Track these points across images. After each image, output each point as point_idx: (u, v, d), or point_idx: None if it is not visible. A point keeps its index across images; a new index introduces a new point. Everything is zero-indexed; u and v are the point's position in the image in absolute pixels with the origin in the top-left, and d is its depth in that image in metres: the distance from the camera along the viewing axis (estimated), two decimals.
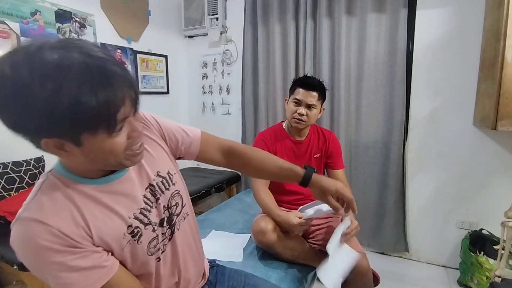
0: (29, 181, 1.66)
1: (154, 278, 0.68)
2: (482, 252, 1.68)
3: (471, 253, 1.72)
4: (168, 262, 0.71)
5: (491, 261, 1.62)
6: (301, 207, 1.19)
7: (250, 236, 1.45)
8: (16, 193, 1.60)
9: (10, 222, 1.37)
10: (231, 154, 0.86)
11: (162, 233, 0.69)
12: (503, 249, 1.40)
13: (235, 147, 0.86)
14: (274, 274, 1.19)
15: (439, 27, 1.89)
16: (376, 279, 1.31)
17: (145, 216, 0.64)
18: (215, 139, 0.87)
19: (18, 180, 1.62)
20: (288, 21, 2.26)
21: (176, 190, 0.74)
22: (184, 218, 0.76)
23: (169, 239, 0.71)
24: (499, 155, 1.81)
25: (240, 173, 2.68)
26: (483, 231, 1.82)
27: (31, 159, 1.71)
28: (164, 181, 0.71)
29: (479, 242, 1.75)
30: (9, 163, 1.61)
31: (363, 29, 2.04)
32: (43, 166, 1.77)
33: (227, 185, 2.53)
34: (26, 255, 0.52)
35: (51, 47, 0.45)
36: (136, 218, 0.63)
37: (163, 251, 0.69)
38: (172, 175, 0.73)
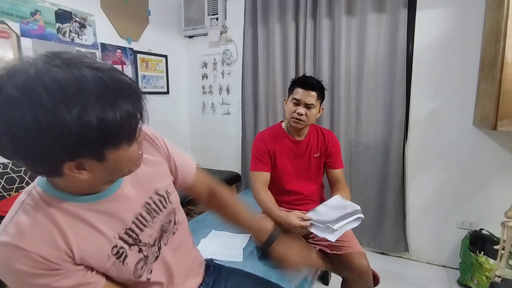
0: (29, 181, 1.66)
1: None
2: (482, 252, 1.68)
3: (471, 253, 1.72)
4: (159, 277, 0.70)
5: (491, 261, 1.62)
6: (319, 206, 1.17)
7: (250, 236, 1.45)
8: (16, 193, 1.60)
9: None
10: (213, 196, 0.89)
11: (152, 253, 0.67)
12: (503, 249, 1.40)
13: (218, 192, 0.89)
14: (274, 274, 1.19)
15: (439, 27, 1.89)
16: (376, 279, 1.31)
17: (130, 236, 0.62)
18: (205, 177, 0.89)
19: (18, 180, 1.62)
20: (288, 21, 2.26)
21: (173, 208, 0.74)
22: (174, 233, 0.75)
23: (156, 257, 0.69)
24: (499, 155, 1.81)
25: (240, 173, 2.69)
26: (483, 231, 1.82)
27: None
28: (162, 199, 0.70)
29: (479, 242, 1.75)
30: (9, 163, 1.61)
31: (363, 29, 2.03)
32: None
33: (227, 185, 2.52)
34: (7, 277, 0.51)
35: (55, 65, 0.43)
36: (120, 238, 0.60)
37: (151, 271, 0.68)
38: (169, 193, 0.73)
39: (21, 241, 0.49)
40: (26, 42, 1.72)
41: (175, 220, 0.75)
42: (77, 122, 0.41)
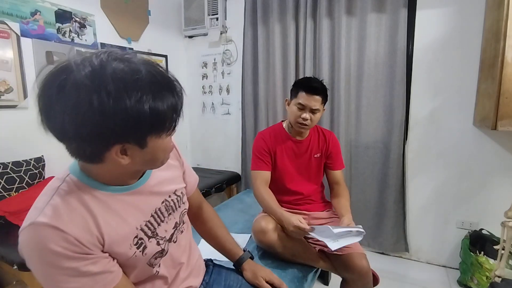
0: (29, 181, 1.66)
1: (149, 286, 0.70)
2: (482, 252, 1.68)
3: (471, 253, 1.72)
4: (166, 272, 0.73)
5: (491, 261, 1.62)
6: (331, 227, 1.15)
7: (250, 236, 1.46)
8: (16, 193, 1.60)
9: (10, 222, 1.37)
10: (200, 210, 0.95)
11: (167, 247, 0.72)
12: (503, 249, 1.39)
13: (205, 208, 0.96)
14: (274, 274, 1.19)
15: (439, 27, 1.89)
16: (375, 279, 1.30)
17: (149, 228, 0.66)
18: (199, 193, 0.95)
19: (18, 180, 1.62)
20: (288, 21, 2.26)
21: (185, 209, 0.80)
22: (182, 232, 0.79)
23: (166, 252, 0.73)
24: (499, 155, 1.81)
25: (240, 173, 2.69)
26: (483, 231, 1.82)
27: (31, 159, 1.71)
28: (178, 199, 0.76)
29: (479, 242, 1.75)
30: (9, 163, 1.61)
31: (363, 29, 2.04)
32: (43, 166, 1.77)
33: (227, 185, 2.53)
34: (37, 260, 0.52)
35: (115, 59, 0.49)
36: (141, 229, 0.64)
37: (159, 264, 0.71)
38: (183, 195, 0.79)
39: (60, 223, 0.51)
40: (26, 42, 1.72)
41: (183, 220, 0.80)
42: (134, 108, 0.47)
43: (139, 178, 0.65)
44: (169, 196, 0.73)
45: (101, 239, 0.56)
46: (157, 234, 0.68)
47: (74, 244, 0.52)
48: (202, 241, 0.97)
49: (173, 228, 0.73)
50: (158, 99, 0.49)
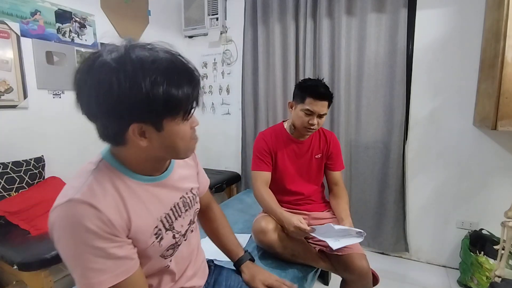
0: (29, 181, 1.66)
1: (156, 280, 0.72)
2: (482, 252, 1.68)
3: (471, 253, 1.72)
4: (175, 268, 0.74)
5: (491, 261, 1.62)
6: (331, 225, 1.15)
7: (250, 236, 1.46)
8: (16, 193, 1.60)
9: (10, 222, 1.37)
10: (208, 208, 0.99)
11: (181, 242, 0.74)
12: (503, 249, 1.39)
13: (213, 207, 1.00)
14: (274, 274, 1.19)
15: (439, 27, 1.89)
16: (375, 279, 1.30)
17: (167, 221, 0.69)
18: (209, 194, 0.99)
19: (18, 180, 1.62)
20: (288, 21, 2.26)
21: (197, 209, 0.83)
22: (192, 231, 0.82)
23: (178, 246, 0.75)
24: (499, 155, 1.81)
25: (240, 173, 2.69)
26: (483, 231, 1.82)
27: (31, 159, 1.71)
28: (194, 197, 0.80)
29: (479, 242, 1.75)
30: (9, 163, 1.61)
31: (363, 29, 2.04)
32: (43, 166, 1.77)
33: (227, 185, 2.52)
34: (69, 236, 0.53)
35: (140, 47, 0.54)
36: (161, 221, 0.67)
37: (171, 259, 0.73)
38: (197, 195, 0.83)
39: (96, 202, 0.54)
40: (26, 42, 1.72)
41: (195, 220, 0.83)
42: (148, 89, 0.51)
43: (163, 172, 0.69)
44: (186, 193, 0.76)
45: (129, 224, 0.59)
46: (173, 228, 0.70)
47: (106, 224, 0.54)
48: (202, 241, 0.97)
49: (187, 225, 0.76)
50: (173, 85, 0.53)
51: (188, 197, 0.77)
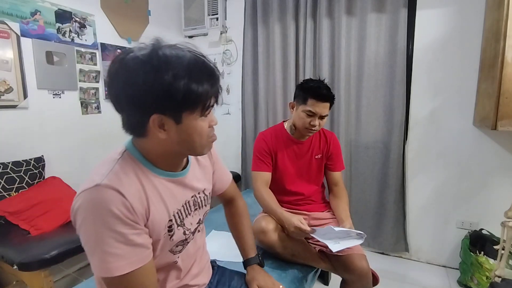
0: (29, 181, 1.66)
1: (163, 275, 0.74)
2: (482, 252, 1.68)
3: (471, 253, 1.72)
4: (182, 264, 0.76)
5: (491, 261, 1.62)
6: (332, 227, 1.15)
7: None
8: (16, 193, 1.60)
9: (10, 222, 1.37)
10: (232, 202, 1.02)
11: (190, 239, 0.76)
12: (503, 249, 1.39)
13: (236, 201, 1.02)
14: (274, 274, 1.19)
15: (439, 27, 1.89)
16: (375, 279, 1.30)
17: (179, 217, 0.71)
18: (234, 188, 1.02)
19: (18, 180, 1.62)
20: (288, 21, 2.26)
21: (207, 210, 0.84)
22: (199, 231, 0.84)
23: (187, 243, 0.77)
24: (499, 155, 1.81)
25: (240, 173, 2.69)
26: (483, 231, 1.82)
27: (31, 159, 1.71)
28: (205, 198, 0.81)
29: (479, 242, 1.75)
30: (9, 163, 1.61)
31: (363, 29, 2.04)
32: (43, 166, 1.77)
33: None
34: (93, 219, 0.55)
35: (167, 46, 0.60)
36: (174, 216, 0.69)
37: (179, 254, 0.75)
38: (209, 197, 0.84)
39: (122, 189, 0.57)
40: (26, 42, 1.72)
41: (203, 220, 0.85)
42: (171, 82, 0.55)
43: (181, 170, 0.72)
44: (198, 193, 0.78)
45: (148, 213, 0.61)
46: (184, 224, 0.72)
47: (129, 210, 0.57)
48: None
49: (196, 223, 0.78)
50: (194, 80, 0.57)
51: (200, 197, 0.78)
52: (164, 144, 0.62)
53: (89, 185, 0.56)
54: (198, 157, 0.80)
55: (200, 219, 0.80)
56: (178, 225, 0.70)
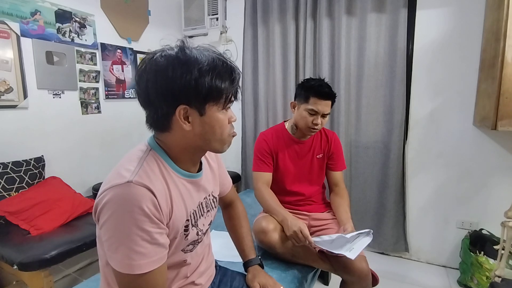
0: (29, 181, 1.66)
1: (174, 273, 0.74)
2: (482, 252, 1.68)
3: (471, 253, 1.72)
4: (190, 261, 0.77)
5: (491, 261, 1.62)
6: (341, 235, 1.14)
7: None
8: (16, 193, 1.60)
9: (10, 222, 1.38)
10: (231, 205, 1.04)
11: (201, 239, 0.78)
12: (503, 249, 1.39)
13: (235, 204, 1.05)
14: (274, 274, 1.19)
15: (439, 27, 1.89)
16: (375, 280, 1.30)
17: (194, 217, 0.72)
18: (234, 192, 1.04)
19: (18, 180, 1.62)
20: (288, 21, 2.26)
21: (215, 212, 0.86)
22: (205, 234, 0.84)
23: (199, 243, 0.79)
24: (499, 155, 1.81)
25: (240, 173, 2.69)
26: (483, 231, 1.82)
27: (31, 159, 1.71)
28: (215, 200, 0.84)
29: (479, 242, 1.75)
30: (9, 163, 1.61)
31: (363, 29, 2.04)
32: (43, 166, 1.77)
33: None
34: (122, 215, 0.55)
35: (193, 47, 0.65)
36: (190, 216, 0.71)
37: (190, 252, 0.76)
38: (217, 200, 0.86)
39: (152, 186, 0.58)
40: (26, 42, 1.72)
41: (212, 221, 0.86)
42: (197, 76, 0.60)
43: (197, 172, 0.74)
44: (209, 195, 0.80)
45: (171, 212, 0.63)
46: (197, 225, 0.74)
47: (157, 209, 0.58)
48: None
49: (208, 224, 0.80)
50: (216, 77, 0.62)
51: (210, 199, 0.81)
52: (187, 138, 0.65)
53: (120, 181, 0.57)
54: (209, 160, 0.83)
55: (211, 220, 0.82)
56: (192, 225, 0.72)
